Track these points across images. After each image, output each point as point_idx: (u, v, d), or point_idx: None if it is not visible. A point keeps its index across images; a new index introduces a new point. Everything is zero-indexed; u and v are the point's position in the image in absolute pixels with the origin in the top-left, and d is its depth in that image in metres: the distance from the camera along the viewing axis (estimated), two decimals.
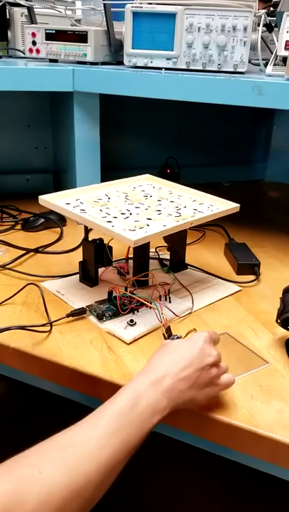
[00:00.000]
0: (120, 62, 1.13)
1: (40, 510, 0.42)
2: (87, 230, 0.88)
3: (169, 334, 0.74)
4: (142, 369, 0.58)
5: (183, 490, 0.68)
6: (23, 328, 0.74)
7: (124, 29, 1.07)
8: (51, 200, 0.86)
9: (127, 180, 0.99)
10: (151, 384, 0.54)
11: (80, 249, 0.91)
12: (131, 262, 0.92)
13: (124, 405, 0.52)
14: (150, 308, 0.78)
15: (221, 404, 0.62)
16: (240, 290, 0.92)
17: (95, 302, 0.82)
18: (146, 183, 1.01)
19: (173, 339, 0.72)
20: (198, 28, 1.00)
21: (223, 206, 0.89)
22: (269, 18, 1.08)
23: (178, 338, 0.74)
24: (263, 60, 1.03)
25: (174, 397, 0.55)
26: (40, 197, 0.86)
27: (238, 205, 0.88)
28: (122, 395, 0.53)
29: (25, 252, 1.02)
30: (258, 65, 1.05)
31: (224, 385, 0.61)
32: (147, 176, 1.03)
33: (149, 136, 1.51)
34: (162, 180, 1.01)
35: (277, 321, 0.72)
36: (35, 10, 1.29)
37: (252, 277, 0.96)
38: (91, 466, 0.46)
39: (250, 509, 0.71)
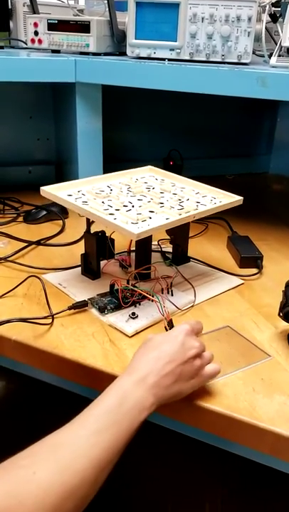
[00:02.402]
0: (123, 53, 1.12)
1: (37, 510, 0.43)
2: (89, 223, 0.87)
3: (170, 327, 0.74)
4: (126, 369, 0.58)
5: (183, 483, 0.68)
6: (24, 320, 0.74)
7: (127, 19, 1.06)
8: (53, 191, 0.85)
9: (129, 171, 0.99)
10: (136, 382, 0.55)
11: (82, 242, 0.91)
12: (133, 254, 0.92)
13: (111, 404, 0.53)
14: (152, 301, 0.78)
15: (223, 398, 0.62)
16: (242, 283, 0.91)
17: (97, 295, 0.82)
18: (149, 174, 1.00)
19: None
20: (202, 19, 0.99)
21: (226, 199, 0.88)
22: (274, 8, 1.06)
23: None
24: (267, 51, 1.02)
25: (159, 393, 0.55)
26: (42, 188, 0.86)
27: (241, 198, 0.88)
28: (108, 394, 0.54)
29: (27, 244, 1.02)
30: (262, 56, 1.04)
31: (209, 376, 0.61)
32: (149, 167, 1.02)
33: (152, 128, 1.50)
34: (165, 171, 1.00)
35: (279, 314, 0.72)
36: (37, 0, 1.28)
37: (254, 270, 0.95)
38: (83, 464, 0.47)
39: (251, 502, 0.71)
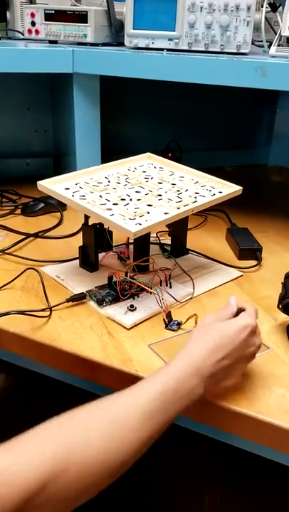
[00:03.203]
0: (121, 43, 1.11)
1: (78, 481, 0.44)
2: (87, 215, 0.87)
3: (169, 320, 0.74)
4: (184, 349, 0.57)
5: (182, 475, 0.68)
6: (22, 312, 0.74)
7: (125, 9, 1.05)
8: (50, 185, 0.84)
9: (127, 160, 0.98)
10: (192, 371, 0.54)
11: (80, 234, 0.90)
12: (131, 247, 0.91)
13: (167, 388, 0.52)
14: (150, 293, 0.78)
15: (222, 390, 0.61)
16: (241, 275, 0.91)
17: (95, 287, 0.82)
18: (147, 162, 0.99)
19: (172, 327, 0.72)
20: (201, 8, 0.98)
21: (225, 189, 0.88)
22: None
23: (178, 323, 0.73)
24: (266, 41, 1.01)
25: (211, 385, 0.56)
26: (39, 182, 0.85)
27: (240, 187, 0.87)
28: (166, 376, 0.54)
29: (24, 236, 1.01)
30: (262, 46, 1.03)
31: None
32: (148, 154, 1.01)
33: (150, 119, 1.49)
34: (163, 159, 0.99)
35: (278, 306, 0.72)
36: None
37: (254, 262, 0.95)
38: (131, 446, 0.48)
39: (249, 493, 0.71)
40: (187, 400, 0.53)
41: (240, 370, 0.60)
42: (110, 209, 0.78)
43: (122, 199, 0.82)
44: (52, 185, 0.84)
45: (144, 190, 0.86)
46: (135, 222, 0.75)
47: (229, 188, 0.88)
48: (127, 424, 0.49)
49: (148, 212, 0.78)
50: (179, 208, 0.79)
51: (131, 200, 0.82)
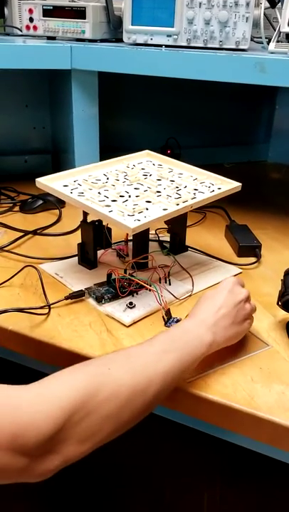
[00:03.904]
0: (119, 40, 1.11)
1: (111, 401, 0.49)
2: (85, 212, 0.86)
3: (168, 317, 0.74)
4: (186, 317, 0.66)
5: (181, 472, 0.68)
6: (21, 310, 0.73)
7: (124, 5, 1.04)
8: (48, 183, 0.84)
9: (126, 157, 0.97)
10: (197, 323, 0.62)
11: (79, 231, 0.90)
12: (130, 244, 0.91)
13: (174, 334, 0.60)
14: (149, 290, 0.78)
15: (221, 387, 0.61)
16: (240, 272, 0.91)
17: (94, 285, 0.81)
18: (146, 159, 0.99)
19: (171, 324, 0.72)
20: (200, 4, 0.97)
21: (224, 186, 0.87)
22: None
23: (177, 321, 0.73)
24: (265, 37, 1.00)
25: (218, 332, 0.62)
26: (37, 180, 0.84)
27: (239, 184, 0.87)
28: (172, 329, 0.63)
29: (23, 234, 1.01)
30: (261, 42, 1.02)
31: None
32: (147, 152, 1.00)
33: (149, 115, 1.48)
34: (162, 156, 0.98)
35: (278, 303, 0.72)
36: None
37: (253, 259, 0.95)
38: (151, 372, 0.53)
39: (249, 491, 0.71)
40: (199, 343, 0.59)
41: (244, 315, 0.66)
42: (109, 205, 0.78)
43: (120, 196, 0.81)
44: (50, 183, 0.84)
45: (142, 187, 0.86)
46: (134, 219, 0.74)
47: (228, 185, 0.87)
48: (144, 357, 0.55)
49: (147, 209, 0.78)
50: (178, 204, 0.79)
51: (130, 196, 0.82)
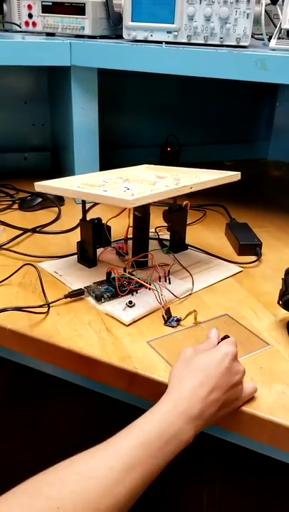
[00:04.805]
0: (119, 36, 1.10)
1: None
2: (85, 210, 0.86)
3: (168, 316, 0.73)
4: (168, 389, 0.54)
5: (181, 471, 0.68)
6: (19, 309, 0.73)
7: (124, 1, 1.03)
8: (47, 183, 0.83)
9: (124, 169, 0.97)
10: (179, 413, 0.51)
11: (78, 230, 0.90)
12: (130, 242, 0.91)
13: (150, 436, 0.49)
14: (149, 289, 0.77)
15: None
16: (241, 271, 0.90)
17: (94, 283, 0.81)
18: (145, 171, 0.98)
19: (171, 323, 0.72)
20: (200, 0, 0.96)
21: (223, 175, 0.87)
22: None
23: (177, 320, 0.73)
24: (266, 34, 0.99)
25: (201, 424, 0.52)
26: (36, 184, 0.84)
27: (238, 172, 0.86)
28: (149, 421, 0.50)
29: (22, 232, 1.00)
30: (262, 39, 1.01)
31: (248, 397, 0.59)
32: (145, 166, 1.00)
33: (149, 113, 1.48)
34: (161, 167, 0.98)
35: (278, 302, 0.71)
36: None
37: (253, 258, 0.94)
38: (109, 502, 0.45)
39: (249, 491, 0.71)
40: (177, 445, 0.50)
41: (234, 398, 0.57)
42: (106, 190, 0.77)
43: (120, 189, 0.81)
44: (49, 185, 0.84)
45: (142, 184, 0.85)
46: (132, 193, 0.73)
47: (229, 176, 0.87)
48: (104, 480, 0.45)
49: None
50: (177, 184, 0.78)
51: (129, 189, 0.81)
